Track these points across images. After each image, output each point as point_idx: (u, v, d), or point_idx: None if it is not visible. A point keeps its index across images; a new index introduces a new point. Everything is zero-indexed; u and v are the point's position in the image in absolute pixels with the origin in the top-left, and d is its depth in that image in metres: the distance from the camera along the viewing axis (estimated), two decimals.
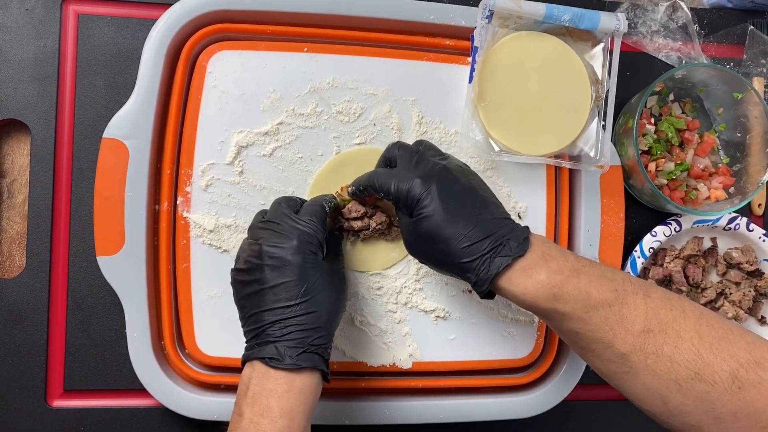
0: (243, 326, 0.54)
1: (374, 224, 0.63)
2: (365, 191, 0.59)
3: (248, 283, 0.53)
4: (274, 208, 0.57)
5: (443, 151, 0.58)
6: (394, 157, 0.58)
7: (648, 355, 0.47)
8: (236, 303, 0.55)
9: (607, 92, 0.65)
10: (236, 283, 0.55)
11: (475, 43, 0.63)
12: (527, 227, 0.53)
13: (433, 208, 0.52)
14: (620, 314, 0.48)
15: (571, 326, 0.50)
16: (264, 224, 0.55)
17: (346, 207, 0.63)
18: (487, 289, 0.52)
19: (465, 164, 0.58)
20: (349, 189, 0.61)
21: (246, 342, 0.53)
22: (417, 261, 0.66)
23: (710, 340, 0.47)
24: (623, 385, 0.50)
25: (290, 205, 0.57)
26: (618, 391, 0.51)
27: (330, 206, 0.58)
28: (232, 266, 0.56)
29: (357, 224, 0.62)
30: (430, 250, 0.54)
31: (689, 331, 0.47)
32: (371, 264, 0.65)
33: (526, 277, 0.50)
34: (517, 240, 0.51)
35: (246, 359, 0.52)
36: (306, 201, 0.60)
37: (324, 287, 0.53)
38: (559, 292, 0.49)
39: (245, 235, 0.63)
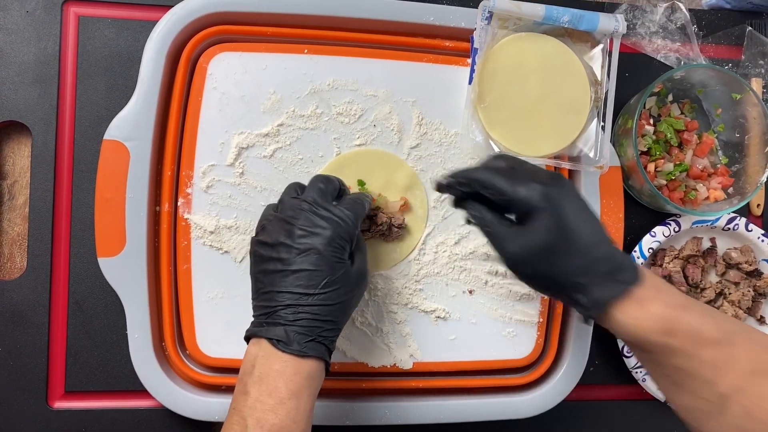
0: (254, 299, 0.53)
1: (375, 226, 0.63)
2: (465, 186, 0.54)
3: (271, 259, 0.52)
4: (314, 187, 0.55)
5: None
6: (500, 163, 0.54)
7: (748, 398, 0.46)
8: (252, 274, 0.54)
9: (607, 93, 0.65)
10: (257, 256, 0.53)
11: (475, 45, 0.64)
12: (634, 258, 0.52)
13: (555, 219, 0.49)
14: (728, 355, 0.47)
15: (676, 362, 0.48)
16: (300, 203, 0.53)
17: None
18: (599, 314, 0.50)
19: None
20: (443, 181, 0.55)
21: (254, 316, 0.53)
22: (418, 261, 0.66)
23: None
24: (706, 423, 0.48)
25: (329, 188, 0.55)
26: (688, 427, 0.50)
27: (368, 206, 0.58)
28: (253, 235, 0.55)
29: None
30: (542, 264, 0.50)
31: None
32: (372, 265, 0.65)
33: (639, 308, 0.48)
34: (632, 269, 0.49)
35: (252, 335, 0.51)
36: (345, 186, 0.58)
37: (344, 282, 0.52)
38: (672, 326, 0.47)
39: (246, 237, 0.64)
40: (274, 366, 0.49)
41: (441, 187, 0.56)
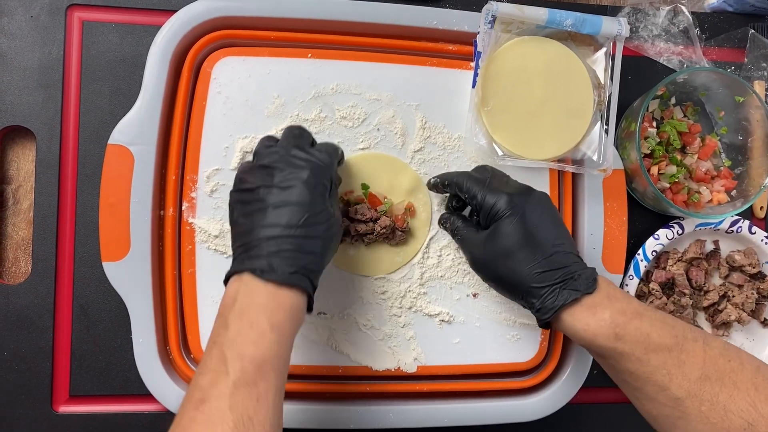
0: (233, 244, 0.52)
1: (378, 228, 0.63)
2: (448, 188, 0.61)
3: (251, 201, 0.51)
4: (288, 134, 0.56)
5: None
6: (484, 173, 0.60)
7: (703, 402, 0.48)
8: (231, 222, 0.53)
9: (610, 96, 0.65)
10: (236, 203, 0.53)
11: (478, 48, 0.64)
12: (594, 269, 0.55)
13: (516, 226, 0.54)
14: (679, 359, 0.49)
15: (628, 366, 0.51)
16: (277, 149, 0.53)
17: (354, 208, 0.63)
18: (549, 318, 0.53)
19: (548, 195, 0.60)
20: (432, 180, 0.64)
21: (234, 258, 0.51)
22: (422, 265, 0.66)
23: (766, 393, 0.47)
24: (673, 430, 0.50)
25: (304, 135, 0.56)
26: None
27: (341, 153, 0.59)
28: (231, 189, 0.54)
29: (361, 227, 0.63)
30: (500, 268, 0.55)
31: (746, 382, 0.48)
32: (375, 268, 0.65)
33: (590, 314, 0.52)
34: (587, 279, 0.53)
35: (233, 273, 0.50)
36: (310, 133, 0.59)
37: (326, 220, 0.52)
38: (621, 332, 0.51)
39: None
40: (256, 299, 0.48)
41: (429, 185, 0.64)
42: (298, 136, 0.56)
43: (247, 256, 0.50)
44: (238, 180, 0.54)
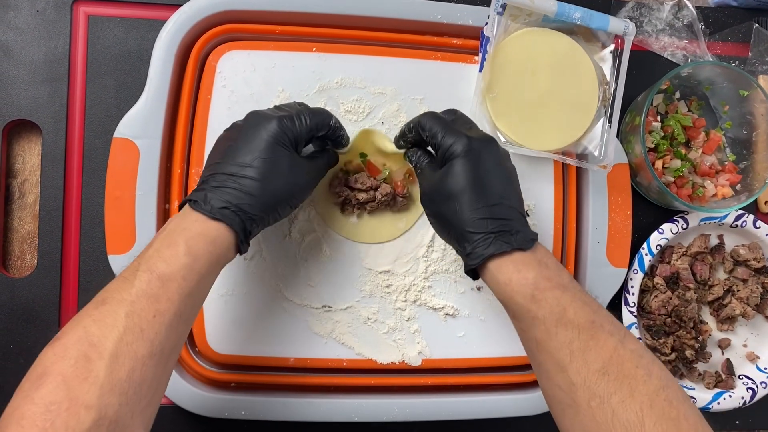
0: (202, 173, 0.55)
1: (379, 196, 0.63)
2: (413, 129, 0.59)
3: (224, 138, 0.55)
4: (302, 104, 0.58)
5: None
6: (449, 115, 0.59)
7: (593, 397, 0.45)
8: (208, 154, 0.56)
9: (615, 93, 0.65)
10: (219, 137, 0.56)
11: (486, 34, 0.64)
12: (537, 234, 0.54)
13: (468, 169, 0.53)
14: (586, 344, 0.47)
15: (536, 335, 0.50)
16: (274, 108, 0.56)
17: (354, 177, 0.63)
18: (476, 265, 0.52)
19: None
20: (397, 134, 0.62)
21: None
22: (426, 258, 0.66)
23: (660, 414, 0.44)
24: (563, 420, 0.49)
25: (304, 106, 0.57)
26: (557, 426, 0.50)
27: (332, 120, 0.58)
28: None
29: (362, 196, 0.63)
30: (443, 206, 0.54)
31: (644, 394, 0.45)
32: (378, 235, 0.66)
33: (515, 270, 0.51)
34: (524, 237, 0.52)
35: (183, 202, 0.52)
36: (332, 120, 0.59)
37: (281, 170, 0.53)
38: (539, 295, 0.49)
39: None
40: (182, 224, 0.49)
41: (397, 139, 0.62)
42: (297, 103, 0.58)
43: (198, 188, 0.52)
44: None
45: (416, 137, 0.59)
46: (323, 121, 0.57)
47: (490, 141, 0.55)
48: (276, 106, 0.57)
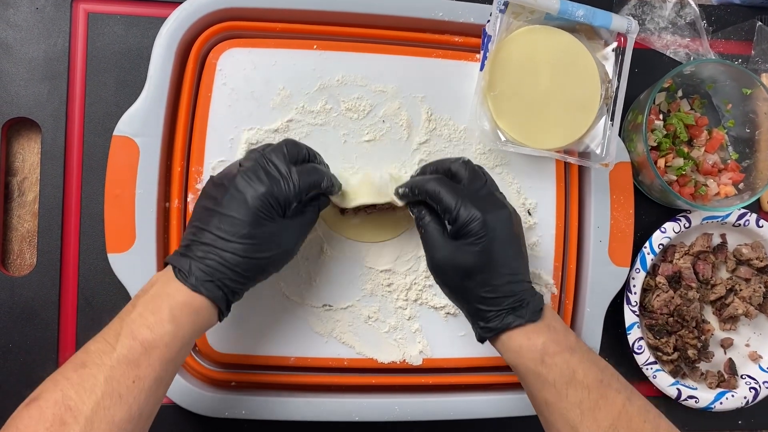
0: (185, 230, 0.54)
1: (379, 206, 0.63)
2: (419, 195, 0.57)
3: (209, 196, 0.53)
4: (277, 145, 0.55)
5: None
6: (461, 174, 0.57)
7: None
8: (193, 207, 0.55)
9: (617, 92, 0.65)
10: (203, 190, 0.55)
11: (488, 32, 0.63)
12: (542, 297, 0.56)
13: (483, 250, 0.53)
14: (596, 403, 0.50)
15: (547, 396, 0.51)
16: (259, 155, 0.53)
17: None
18: (489, 337, 0.55)
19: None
20: (400, 189, 0.59)
21: (179, 246, 0.53)
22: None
23: None
24: None
25: (293, 151, 0.55)
26: None
27: (327, 181, 0.56)
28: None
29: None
30: (456, 280, 0.55)
31: None
32: (379, 234, 0.65)
33: (525, 338, 0.53)
34: (534, 308, 0.54)
35: (167, 262, 0.52)
36: (317, 154, 0.58)
37: (267, 243, 0.52)
38: (549, 360, 0.52)
39: None
40: (168, 290, 0.49)
41: (398, 195, 0.60)
42: (284, 151, 0.54)
43: (181, 252, 0.51)
44: (221, 171, 0.55)
45: (422, 198, 0.57)
46: (316, 182, 0.55)
47: (503, 211, 0.55)
48: (263, 153, 0.53)
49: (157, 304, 0.48)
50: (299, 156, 0.55)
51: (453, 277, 0.56)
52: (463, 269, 0.54)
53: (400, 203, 0.60)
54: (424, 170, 0.61)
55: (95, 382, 0.44)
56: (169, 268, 0.51)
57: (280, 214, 0.53)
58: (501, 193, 0.58)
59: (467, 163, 0.58)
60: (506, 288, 0.54)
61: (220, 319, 0.53)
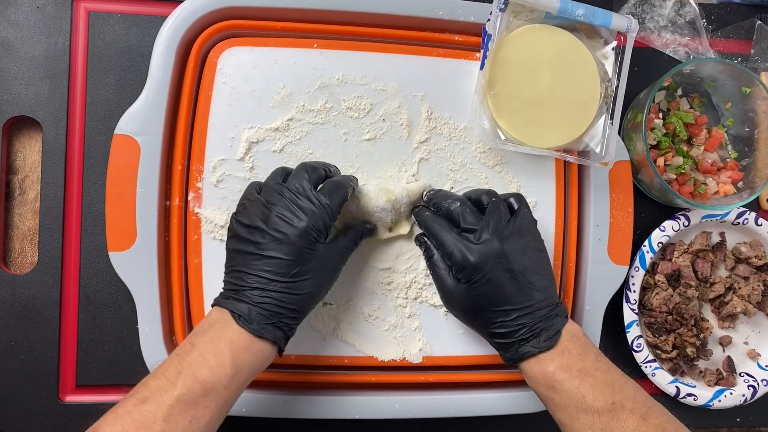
0: (225, 273, 0.55)
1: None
2: (421, 227, 0.63)
3: (246, 241, 0.53)
4: (299, 174, 0.56)
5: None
6: (457, 210, 0.59)
7: None
8: (227, 250, 0.56)
9: (616, 89, 0.65)
10: (234, 234, 0.55)
11: (488, 31, 0.63)
12: (566, 315, 0.57)
13: (481, 293, 0.56)
14: (607, 426, 0.51)
15: (561, 418, 0.54)
16: (283, 189, 0.54)
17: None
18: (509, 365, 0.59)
19: (534, 222, 0.60)
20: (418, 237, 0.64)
21: (223, 288, 0.55)
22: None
23: None
24: None
25: (313, 177, 0.56)
26: None
27: (350, 189, 0.59)
28: (234, 212, 0.56)
29: None
30: (467, 316, 0.59)
31: None
32: (380, 233, 0.65)
33: (537, 366, 0.55)
34: (549, 335, 0.55)
35: (219, 305, 0.53)
36: (329, 166, 0.60)
37: (315, 274, 0.54)
38: (558, 386, 0.53)
39: None
40: (229, 334, 0.51)
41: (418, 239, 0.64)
42: (308, 179, 0.55)
43: (233, 296, 0.52)
44: (241, 206, 0.56)
45: (426, 235, 0.62)
46: (343, 196, 0.57)
47: (519, 234, 0.57)
48: (288, 187, 0.54)
49: (220, 348, 0.49)
50: (319, 179, 0.57)
51: (463, 313, 0.59)
52: (470, 308, 0.57)
53: (402, 230, 0.65)
54: (449, 196, 0.61)
55: (154, 420, 0.46)
56: (225, 312, 0.52)
57: (322, 242, 0.54)
58: (533, 222, 0.60)
59: (491, 193, 0.60)
60: (516, 322, 0.56)
61: (280, 355, 0.55)
